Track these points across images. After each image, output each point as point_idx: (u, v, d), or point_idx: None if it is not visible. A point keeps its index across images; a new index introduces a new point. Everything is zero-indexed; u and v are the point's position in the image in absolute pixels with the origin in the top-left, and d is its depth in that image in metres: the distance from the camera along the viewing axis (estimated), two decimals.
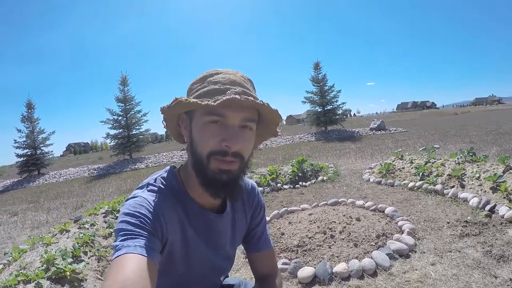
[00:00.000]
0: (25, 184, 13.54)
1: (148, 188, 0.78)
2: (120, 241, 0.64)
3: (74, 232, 3.05)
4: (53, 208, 6.69)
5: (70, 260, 2.32)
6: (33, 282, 2.02)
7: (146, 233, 0.66)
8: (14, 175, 16.72)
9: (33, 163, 15.79)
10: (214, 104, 0.67)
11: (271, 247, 1.05)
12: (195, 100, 0.69)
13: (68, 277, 2.17)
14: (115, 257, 0.61)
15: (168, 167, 0.86)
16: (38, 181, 13.91)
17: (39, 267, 2.21)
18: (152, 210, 0.71)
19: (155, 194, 0.76)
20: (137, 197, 0.74)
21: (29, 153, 16.05)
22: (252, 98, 0.69)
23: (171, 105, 0.72)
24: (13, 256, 2.65)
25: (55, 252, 2.40)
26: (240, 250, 2.84)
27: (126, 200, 0.74)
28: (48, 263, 2.19)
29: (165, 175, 0.83)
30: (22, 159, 15.88)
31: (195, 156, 0.75)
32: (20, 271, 2.12)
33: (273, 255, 1.06)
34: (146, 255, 0.62)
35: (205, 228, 0.85)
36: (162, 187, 0.79)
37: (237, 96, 0.67)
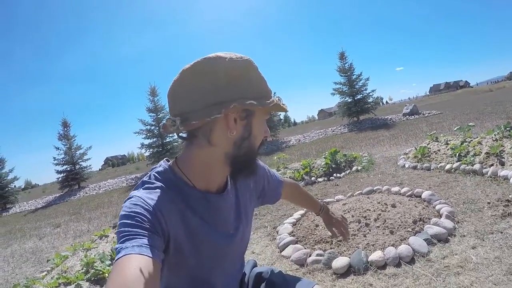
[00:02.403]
0: (66, 198, 14.24)
1: (143, 187, 0.77)
2: (120, 243, 0.64)
3: (113, 237, 3.17)
4: (93, 218, 6.98)
5: (108, 262, 2.42)
6: (73, 284, 2.12)
7: (144, 232, 0.66)
8: (56, 191, 17.62)
9: (73, 177, 16.57)
10: (287, 110, 0.82)
11: (282, 181, 1.18)
12: (284, 104, 0.81)
13: (107, 278, 2.24)
14: (115, 260, 0.61)
15: (162, 161, 0.85)
16: (78, 194, 14.59)
17: (79, 270, 2.31)
18: (148, 208, 0.70)
19: (150, 190, 0.75)
20: (132, 197, 0.73)
21: (68, 168, 16.83)
22: None
23: (271, 107, 0.78)
24: (55, 262, 2.78)
25: (95, 256, 2.50)
26: (274, 245, 2.84)
27: (124, 203, 0.74)
28: (88, 266, 2.29)
29: (160, 169, 0.81)
30: (62, 175, 16.69)
31: (249, 147, 0.80)
32: (62, 275, 2.23)
33: (285, 182, 1.22)
34: (144, 253, 0.61)
35: (210, 211, 0.83)
36: (158, 182, 0.78)
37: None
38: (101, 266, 2.26)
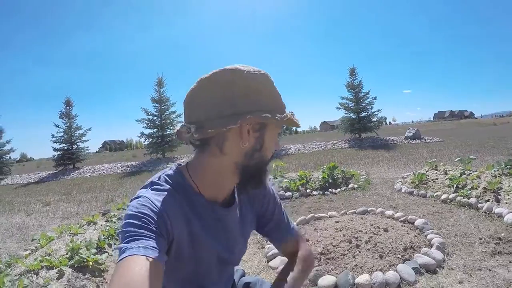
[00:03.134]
0: (59, 176, 14.22)
1: (152, 187, 0.77)
2: (124, 243, 0.64)
3: (101, 225, 3.15)
4: (84, 201, 6.96)
5: (94, 250, 2.39)
6: (56, 268, 2.09)
7: (150, 233, 0.66)
8: (50, 168, 17.57)
9: (69, 157, 16.54)
10: (299, 125, 0.86)
11: (295, 234, 1.05)
12: (297, 120, 0.83)
13: (90, 266, 2.23)
14: (119, 260, 0.61)
15: (173, 165, 0.86)
16: (72, 174, 14.56)
17: (63, 255, 2.29)
18: (155, 209, 0.70)
19: (158, 192, 0.75)
20: (140, 197, 0.73)
21: (65, 147, 16.82)
22: None
23: (284, 121, 0.79)
24: (40, 243, 2.76)
25: (81, 242, 2.48)
26: (262, 254, 2.82)
27: (131, 201, 0.74)
28: (73, 252, 2.26)
29: (170, 172, 0.82)
30: (58, 153, 16.67)
31: (260, 159, 0.81)
32: (45, 257, 2.20)
33: (299, 241, 1.05)
34: (150, 255, 0.62)
35: (214, 222, 0.84)
36: (167, 184, 0.78)
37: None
38: (86, 254, 2.24)
